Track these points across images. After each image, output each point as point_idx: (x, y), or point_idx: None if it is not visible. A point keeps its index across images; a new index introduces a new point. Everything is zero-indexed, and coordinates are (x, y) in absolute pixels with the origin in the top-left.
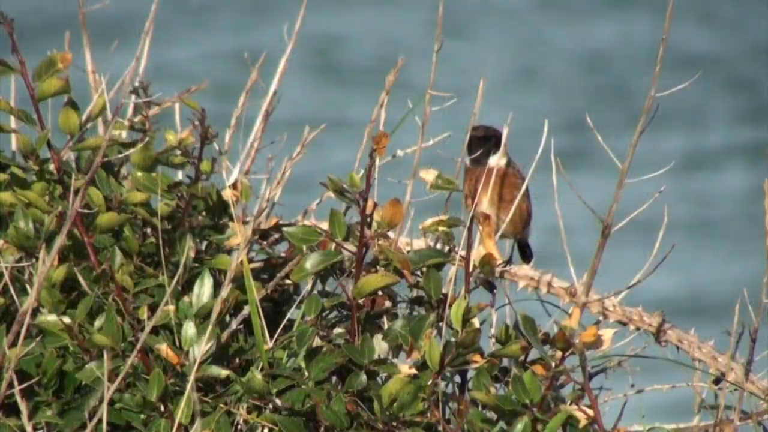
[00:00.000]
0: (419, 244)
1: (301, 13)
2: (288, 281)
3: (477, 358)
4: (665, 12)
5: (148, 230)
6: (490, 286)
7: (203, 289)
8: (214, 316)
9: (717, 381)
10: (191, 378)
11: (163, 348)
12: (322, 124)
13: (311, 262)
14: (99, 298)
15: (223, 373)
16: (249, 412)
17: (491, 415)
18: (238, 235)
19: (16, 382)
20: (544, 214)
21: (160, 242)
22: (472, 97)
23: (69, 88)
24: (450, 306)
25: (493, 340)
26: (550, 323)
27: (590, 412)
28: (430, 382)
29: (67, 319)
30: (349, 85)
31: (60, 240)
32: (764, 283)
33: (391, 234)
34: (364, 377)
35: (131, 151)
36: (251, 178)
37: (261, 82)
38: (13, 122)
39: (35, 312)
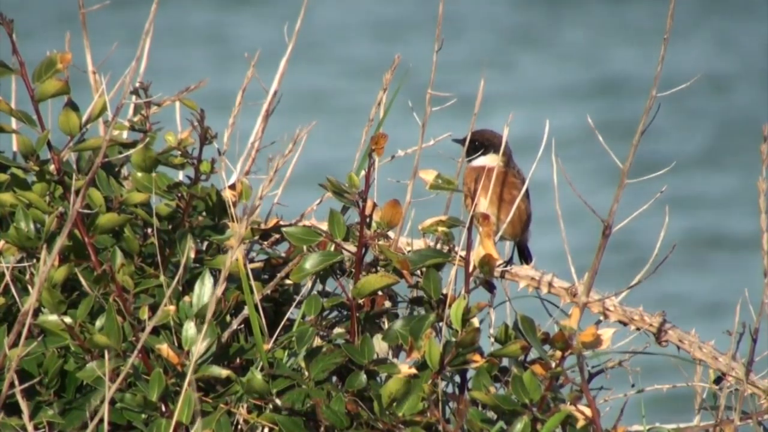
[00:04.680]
0: (419, 244)
1: (302, 13)
2: (288, 281)
3: (477, 357)
4: None
5: (149, 231)
6: (490, 287)
7: (204, 289)
8: (209, 314)
9: (718, 381)
10: (188, 377)
11: (164, 348)
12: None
13: (311, 262)
14: (100, 298)
15: (224, 373)
16: (249, 412)
17: (491, 414)
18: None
19: (17, 382)
20: None
21: (160, 243)
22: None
23: (69, 89)
24: (450, 306)
25: (493, 339)
26: (550, 323)
27: (589, 412)
28: (429, 382)
29: (68, 319)
30: None
31: (61, 240)
32: (765, 284)
33: (391, 234)
34: (364, 377)
35: (131, 151)
36: (251, 179)
37: (261, 82)
38: (13, 123)
39: (36, 312)
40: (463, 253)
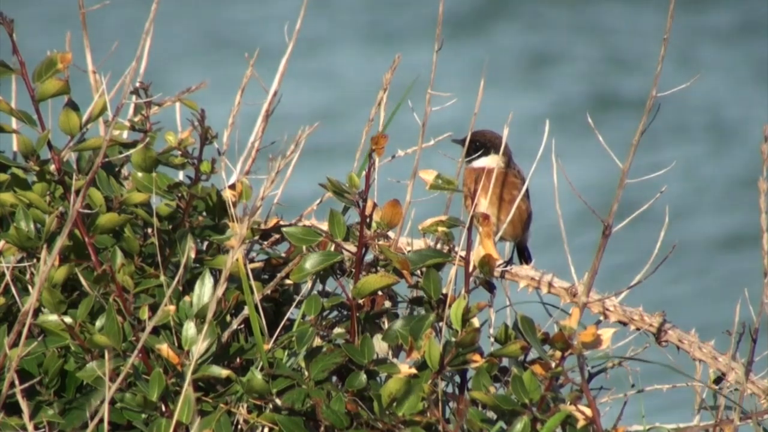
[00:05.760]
0: (419, 244)
1: (302, 13)
2: (288, 281)
3: (476, 357)
4: None
5: (149, 231)
6: (490, 286)
7: (204, 289)
8: (210, 314)
9: (717, 381)
10: (188, 377)
11: (164, 348)
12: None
13: (311, 262)
14: (100, 298)
15: (224, 373)
16: (249, 412)
17: (491, 414)
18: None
19: (17, 382)
20: None
21: (160, 243)
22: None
23: (69, 89)
24: (450, 306)
25: (493, 339)
26: (550, 323)
27: (589, 412)
28: (429, 382)
29: (68, 319)
30: None
31: (61, 240)
32: (765, 284)
33: (391, 234)
34: (364, 377)
35: (132, 151)
36: (251, 178)
37: (261, 83)
38: (13, 123)
39: (37, 312)
40: (463, 253)
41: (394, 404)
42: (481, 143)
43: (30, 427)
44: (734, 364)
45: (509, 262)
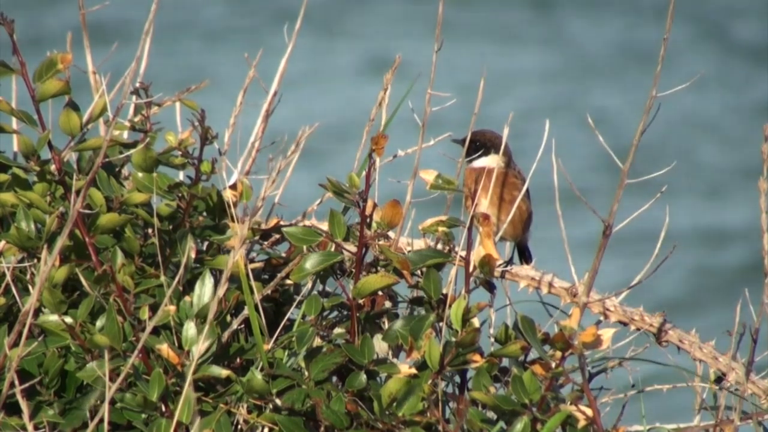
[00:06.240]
0: (419, 244)
1: (301, 13)
2: (288, 281)
3: (477, 357)
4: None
5: (150, 231)
6: (490, 286)
7: (204, 289)
8: (211, 314)
9: (718, 381)
10: (189, 377)
11: (164, 348)
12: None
13: (311, 262)
14: (100, 298)
15: (224, 373)
16: (249, 412)
17: (491, 414)
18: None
19: (17, 382)
20: None
21: (160, 243)
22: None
23: (69, 89)
24: (450, 306)
25: (493, 339)
26: (550, 323)
27: (589, 412)
28: (429, 382)
29: (68, 319)
30: None
31: (61, 240)
32: (765, 284)
33: (391, 234)
34: (364, 377)
35: (132, 151)
36: (252, 179)
37: (261, 83)
38: (14, 123)
39: (37, 312)
40: (463, 253)
41: (394, 404)
42: (481, 143)
43: (30, 427)
44: (734, 364)
45: (509, 262)
